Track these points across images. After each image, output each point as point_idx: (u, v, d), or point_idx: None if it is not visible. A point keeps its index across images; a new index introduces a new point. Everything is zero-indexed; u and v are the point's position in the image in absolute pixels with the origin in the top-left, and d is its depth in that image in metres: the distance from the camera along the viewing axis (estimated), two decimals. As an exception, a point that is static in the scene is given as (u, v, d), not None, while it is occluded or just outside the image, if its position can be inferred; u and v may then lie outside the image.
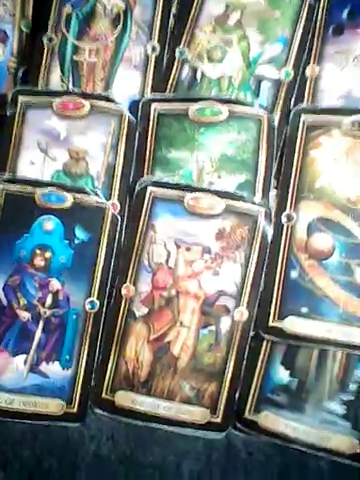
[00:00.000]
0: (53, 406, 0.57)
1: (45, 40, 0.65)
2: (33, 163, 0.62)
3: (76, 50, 0.65)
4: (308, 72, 0.61)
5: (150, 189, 0.59)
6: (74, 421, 0.58)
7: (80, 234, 0.59)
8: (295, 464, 0.55)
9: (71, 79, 0.64)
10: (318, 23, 0.61)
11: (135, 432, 0.57)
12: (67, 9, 0.65)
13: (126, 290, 0.58)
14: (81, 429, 0.58)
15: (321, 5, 0.61)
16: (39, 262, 0.59)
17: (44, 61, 0.65)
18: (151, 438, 0.57)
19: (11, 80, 0.65)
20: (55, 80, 0.64)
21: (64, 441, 0.58)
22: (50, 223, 0.59)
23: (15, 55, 0.66)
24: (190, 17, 0.63)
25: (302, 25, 0.61)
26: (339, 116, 0.58)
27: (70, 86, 0.64)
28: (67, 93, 0.62)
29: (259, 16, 0.62)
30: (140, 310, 0.58)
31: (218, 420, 0.56)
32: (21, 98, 0.62)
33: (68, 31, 0.65)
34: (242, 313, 0.56)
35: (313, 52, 0.61)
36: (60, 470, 0.57)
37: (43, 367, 0.58)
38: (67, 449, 0.57)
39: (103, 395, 0.57)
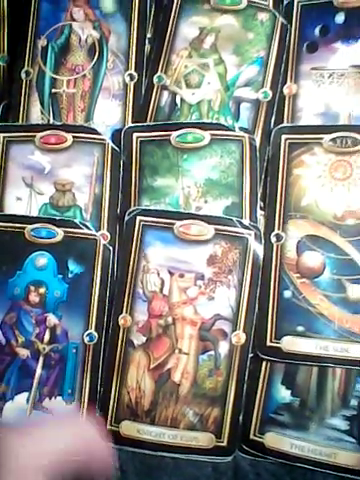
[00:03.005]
0: (59, 441, 0.57)
1: (22, 74, 0.65)
2: (19, 199, 0.62)
3: (54, 82, 0.65)
4: (286, 91, 0.62)
5: (139, 218, 0.59)
6: (81, 454, 0.58)
7: (73, 267, 0.59)
8: (304, 483, 0.56)
9: (51, 112, 0.64)
10: (292, 42, 0.62)
11: (143, 461, 0.57)
12: (42, 42, 0.65)
13: (123, 320, 0.58)
14: (89, 462, 0.58)
15: (293, 24, 0.62)
16: (34, 298, 0.59)
17: (23, 95, 0.65)
18: (159, 466, 0.57)
19: (-9, 116, 0.65)
20: (35, 114, 0.65)
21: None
22: (42, 259, 0.59)
23: (-6, 90, 0.66)
24: (165, 42, 0.64)
25: (276, 45, 0.62)
26: (320, 133, 0.59)
27: (51, 119, 0.64)
28: (49, 127, 0.63)
29: (233, 39, 0.62)
30: (138, 339, 0.58)
31: (224, 444, 0.57)
32: (2, 134, 0.62)
33: (44, 64, 0.65)
34: (239, 336, 0.57)
35: (289, 71, 0.62)
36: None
37: (46, 403, 0.58)
38: (77, 483, 0.57)
39: (108, 426, 0.58)
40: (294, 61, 0.62)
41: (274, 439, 0.56)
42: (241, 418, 0.57)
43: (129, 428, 0.57)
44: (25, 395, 0.58)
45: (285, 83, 0.62)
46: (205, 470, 0.57)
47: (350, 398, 0.56)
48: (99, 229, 0.60)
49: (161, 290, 0.58)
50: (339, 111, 0.60)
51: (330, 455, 0.55)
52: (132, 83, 0.64)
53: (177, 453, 0.57)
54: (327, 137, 0.58)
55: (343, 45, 0.60)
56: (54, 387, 0.58)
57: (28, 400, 0.58)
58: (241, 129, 0.60)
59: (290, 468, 0.56)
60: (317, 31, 0.62)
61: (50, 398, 0.58)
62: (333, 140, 0.58)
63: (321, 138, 0.58)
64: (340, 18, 0.61)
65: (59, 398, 0.58)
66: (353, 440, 0.55)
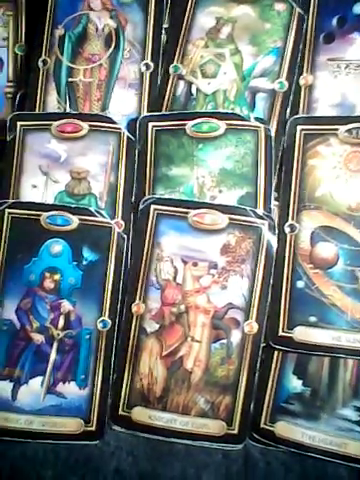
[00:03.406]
0: (72, 425, 0.58)
1: (40, 63, 0.65)
2: (35, 186, 0.62)
3: (71, 71, 0.65)
4: (302, 82, 0.61)
5: (154, 207, 0.59)
6: (93, 439, 0.59)
7: (88, 255, 0.60)
8: (314, 472, 0.56)
9: (68, 101, 0.65)
10: (308, 32, 0.62)
11: (154, 447, 0.58)
12: (59, 31, 0.65)
13: (136, 308, 0.59)
14: (101, 446, 0.59)
15: (310, 14, 0.62)
16: (49, 284, 0.60)
17: (40, 84, 0.65)
18: (170, 452, 0.58)
19: (9, 105, 0.66)
20: (52, 103, 0.65)
21: (85, 459, 0.59)
22: (58, 246, 0.60)
23: (11, 80, 0.66)
24: (182, 32, 0.64)
25: (293, 35, 0.62)
26: (335, 124, 0.58)
27: (67, 108, 0.64)
28: (65, 115, 0.63)
29: (250, 29, 0.62)
30: (151, 326, 0.59)
31: (235, 432, 0.57)
32: (19, 123, 0.63)
33: (62, 53, 0.65)
34: (252, 325, 0.57)
35: (305, 61, 0.62)
36: (83, 488, 0.59)
37: (60, 388, 0.59)
38: (89, 467, 0.58)
39: (120, 412, 0.59)
40: (311, 52, 0.62)
41: (285, 428, 0.56)
42: (252, 407, 0.57)
43: (141, 414, 0.58)
44: (39, 379, 0.59)
45: (301, 74, 0.62)
46: (216, 457, 0.58)
47: (362, 389, 0.56)
48: (114, 217, 0.61)
49: (174, 278, 0.59)
50: (355, 102, 0.60)
51: (341, 445, 0.55)
52: (148, 73, 0.64)
53: (188, 440, 0.57)
54: (342, 128, 0.58)
55: (360, 36, 0.60)
56: (68, 372, 0.59)
57: (42, 384, 0.59)
58: (256, 119, 0.60)
59: (300, 457, 0.56)
60: (334, 22, 0.62)
61: (64, 383, 0.59)
62: (348, 131, 0.58)
63: (336, 129, 0.58)
64: (358, 9, 0.61)
65: (72, 383, 0.59)
66: (364, 430, 0.55)
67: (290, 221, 0.58)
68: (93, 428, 0.58)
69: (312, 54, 0.61)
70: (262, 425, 0.57)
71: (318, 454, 0.55)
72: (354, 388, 0.56)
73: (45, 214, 0.60)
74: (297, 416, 0.56)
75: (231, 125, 0.60)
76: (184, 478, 0.57)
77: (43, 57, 0.65)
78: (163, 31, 0.65)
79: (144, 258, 0.59)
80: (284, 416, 0.57)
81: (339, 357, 0.56)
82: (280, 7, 0.62)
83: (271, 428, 0.57)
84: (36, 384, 0.59)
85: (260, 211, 0.58)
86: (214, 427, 0.57)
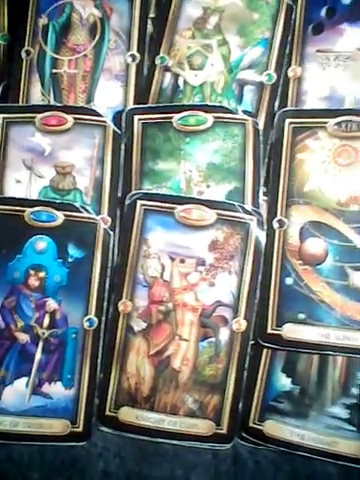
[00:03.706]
0: (58, 426, 0.57)
1: (23, 53, 0.63)
2: (19, 181, 0.61)
3: (55, 62, 0.64)
4: (290, 74, 0.60)
5: (140, 202, 0.58)
6: (80, 440, 0.58)
7: (73, 252, 0.58)
8: (303, 470, 0.56)
9: (52, 92, 0.63)
10: (297, 23, 0.61)
11: (142, 447, 0.57)
12: (43, 20, 0.64)
13: (123, 306, 0.58)
14: (88, 447, 0.58)
15: (299, 4, 0.61)
16: (33, 282, 0.59)
17: (23, 75, 0.63)
18: (158, 452, 0.57)
19: (-9, 97, 0.64)
20: (36, 94, 0.63)
21: (72, 461, 0.58)
22: (42, 243, 0.59)
23: (-7, 70, 0.65)
24: (168, 22, 0.62)
25: (281, 26, 0.61)
26: (324, 117, 0.57)
27: (51, 100, 0.63)
28: (49, 108, 0.61)
29: (238, 19, 0.61)
30: (138, 325, 0.58)
31: (223, 431, 0.56)
32: (2, 115, 0.61)
33: (45, 43, 0.63)
34: (240, 323, 0.56)
35: (294, 53, 0.60)
36: (69, 489, 0.58)
37: (45, 388, 0.58)
38: (75, 468, 0.58)
39: (107, 412, 0.58)
40: (299, 43, 0.60)
41: (274, 427, 0.56)
42: (241, 405, 0.57)
43: (128, 414, 0.57)
44: (24, 380, 0.58)
45: (290, 65, 0.60)
46: (204, 457, 0.57)
47: (351, 386, 0.55)
48: (99, 213, 0.59)
49: (162, 276, 0.58)
50: (345, 95, 0.59)
51: (330, 443, 0.55)
52: (134, 64, 0.62)
53: (176, 440, 0.57)
54: (332, 121, 0.57)
55: (350, 27, 0.59)
56: (53, 372, 0.58)
57: (27, 385, 0.58)
58: (244, 112, 0.59)
59: (290, 456, 0.56)
60: (323, 12, 0.60)
61: (49, 383, 0.58)
62: (338, 124, 0.57)
63: (326, 122, 0.57)
64: (347, -1, 0.60)
65: (58, 383, 0.58)
66: (353, 428, 0.55)
67: (279, 216, 0.57)
68: (80, 429, 0.58)
69: (301, 45, 0.60)
70: (251, 424, 0.57)
71: (307, 453, 0.55)
72: (343, 386, 0.56)
73: (29, 210, 0.58)
74: (286, 415, 0.56)
75: (219, 118, 0.59)
76: (172, 479, 0.57)
77: (26, 47, 0.63)
78: (149, 21, 0.63)
79: (131, 255, 0.58)
80: (273, 415, 0.56)
81: (328, 354, 0.56)
82: (268, -4, 0.61)
83: (260, 427, 0.56)
84: (21, 385, 0.58)
85: (248, 206, 0.57)
86: (203, 427, 0.56)
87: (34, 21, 0.64)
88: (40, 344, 0.58)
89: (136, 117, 0.60)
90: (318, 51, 0.60)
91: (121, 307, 0.58)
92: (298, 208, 0.57)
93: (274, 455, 0.56)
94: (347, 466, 0.54)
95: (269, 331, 0.56)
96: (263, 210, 0.58)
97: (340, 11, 0.59)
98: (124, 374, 0.57)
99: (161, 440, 0.57)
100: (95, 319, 0.58)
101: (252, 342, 0.57)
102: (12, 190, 0.61)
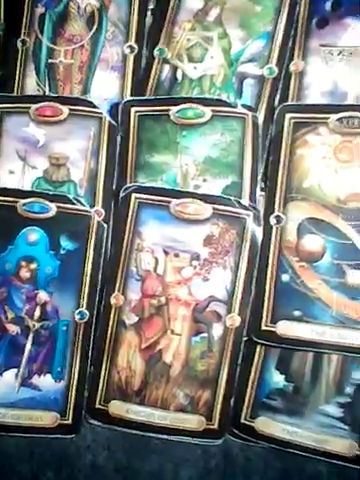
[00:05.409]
0: (47, 419, 0.57)
1: (19, 43, 0.62)
2: (13, 172, 0.60)
3: (51, 52, 0.63)
4: (292, 68, 0.59)
5: (135, 195, 0.57)
6: (69, 433, 0.58)
7: (66, 244, 0.58)
8: (294, 468, 0.55)
9: (47, 83, 0.62)
10: (301, 16, 0.60)
11: (131, 441, 0.57)
12: (40, 10, 0.63)
13: (115, 299, 0.57)
14: (77, 440, 0.58)
15: (303, -3, 0.60)
16: (25, 274, 0.58)
17: (19, 65, 0.63)
18: (147, 446, 0.57)
19: (-14, 87, 0.63)
20: (31, 85, 0.63)
21: (61, 453, 0.57)
22: (34, 234, 0.58)
23: (-11, 60, 0.64)
24: (168, 13, 0.62)
25: (284, 19, 0.59)
26: (326, 113, 0.56)
27: (47, 90, 0.62)
28: (44, 98, 0.61)
29: (240, 11, 0.60)
30: (130, 318, 0.57)
31: (214, 427, 0.56)
32: (-3, 105, 0.60)
33: (42, 33, 0.63)
34: (234, 319, 0.56)
35: (297, 47, 0.59)
36: (58, 482, 0.57)
37: (35, 380, 0.58)
38: (64, 461, 0.57)
39: (97, 405, 0.57)
40: (302, 37, 0.59)
41: (265, 424, 0.55)
42: (233, 401, 0.56)
43: (118, 408, 0.57)
44: (14, 371, 0.58)
45: (292, 59, 0.59)
46: (195, 452, 0.57)
47: (345, 385, 0.55)
48: (93, 205, 0.59)
49: (155, 269, 0.57)
50: (347, 90, 0.58)
51: (322, 442, 0.54)
52: (132, 55, 0.62)
53: (166, 434, 0.56)
54: (333, 117, 0.56)
55: (355, 21, 0.58)
56: (43, 364, 0.57)
57: (17, 376, 0.57)
58: (244, 106, 0.58)
59: (281, 453, 0.55)
60: (328, 5, 0.59)
61: (39, 375, 0.58)
62: (339, 120, 0.56)
63: (327, 118, 0.56)
64: (353, -8, 0.59)
65: (48, 375, 0.57)
66: (346, 427, 0.54)
67: (276, 212, 0.57)
68: (69, 421, 0.57)
69: (304, 39, 0.59)
70: (242, 420, 0.56)
71: (298, 450, 0.55)
72: (337, 384, 0.55)
73: (22, 201, 0.58)
74: (279, 412, 0.55)
75: (217, 112, 0.58)
76: (161, 473, 0.56)
77: (22, 37, 0.63)
78: (148, 12, 0.62)
79: (124, 248, 0.57)
80: (265, 412, 0.56)
81: (323, 353, 0.55)
82: (271, -12, 0.60)
83: (251, 424, 0.56)
84: (10, 376, 0.57)
85: (245, 201, 0.56)
86: (193, 422, 0.56)
87: (30, 11, 0.63)
88: (30, 336, 0.57)
89: (133, 109, 0.59)
90: (322, 45, 0.59)
91: (113, 300, 0.57)
92: (296, 204, 0.56)
93: (265, 452, 0.56)
94: (337, 464, 0.54)
95: (263, 328, 0.56)
96: (261, 205, 0.57)
97: (346, 5, 0.58)
98: (115, 367, 0.57)
99: (151, 434, 0.56)
100: (86, 312, 0.57)
101: (245, 338, 0.56)
102: (5, 181, 0.60)
